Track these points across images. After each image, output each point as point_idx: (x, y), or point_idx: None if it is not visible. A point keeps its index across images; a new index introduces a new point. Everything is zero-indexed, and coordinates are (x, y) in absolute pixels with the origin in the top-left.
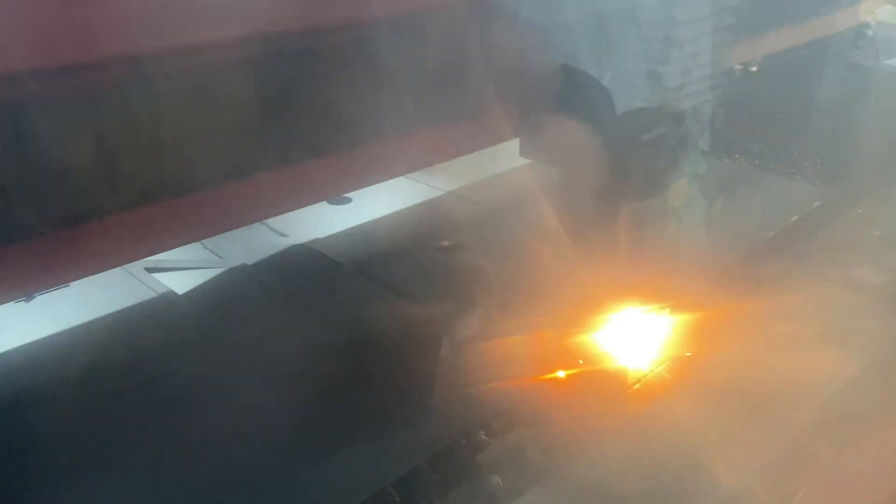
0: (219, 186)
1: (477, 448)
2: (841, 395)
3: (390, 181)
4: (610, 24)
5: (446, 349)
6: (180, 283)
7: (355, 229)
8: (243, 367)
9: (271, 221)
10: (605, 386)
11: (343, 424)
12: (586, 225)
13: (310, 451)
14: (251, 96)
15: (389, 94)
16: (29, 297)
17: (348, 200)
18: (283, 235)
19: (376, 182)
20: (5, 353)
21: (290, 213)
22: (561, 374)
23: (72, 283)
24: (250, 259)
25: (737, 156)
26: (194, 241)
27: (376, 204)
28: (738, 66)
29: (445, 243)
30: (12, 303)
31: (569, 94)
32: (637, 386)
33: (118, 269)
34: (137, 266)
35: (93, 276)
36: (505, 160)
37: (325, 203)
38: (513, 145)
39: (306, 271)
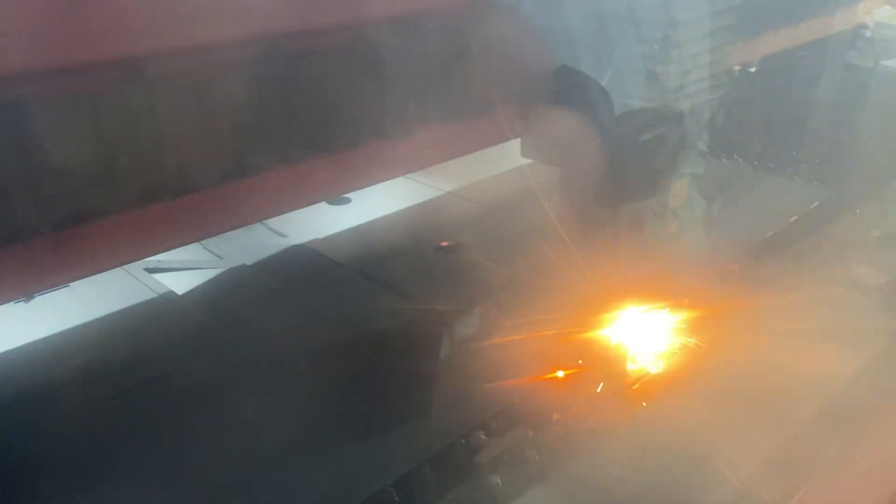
0: (218, 187)
1: (476, 448)
2: (841, 393)
3: (390, 182)
4: (610, 24)
5: (446, 349)
6: (180, 283)
7: (355, 230)
8: (242, 367)
9: (271, 222)
10: (605, 386)
11: (342, 424)
12: (588, 224)
13: (309, 450)
14: (251, 96)
15: (390, 93)
16: (28, 297)
17: (348, 201)
18: (283, 236)
19: (377, 182)
20: (4, 354)
21: (289, 214)
22: (561, 374)
23: (71, 284)
24: (250, 259)
25: (735, 156)
26: (194, 242)
27: (376, 204)
28: (736, 67)
29: (445, 243)
30: (11, 303)
31: (570, 93)
32: (637, 385)
33: (118, 270)
34: (137, 266)
35: (92, 277)
36: (505, 160)
37: (324, 203)
38: (511, 146)
39: (306, 271)
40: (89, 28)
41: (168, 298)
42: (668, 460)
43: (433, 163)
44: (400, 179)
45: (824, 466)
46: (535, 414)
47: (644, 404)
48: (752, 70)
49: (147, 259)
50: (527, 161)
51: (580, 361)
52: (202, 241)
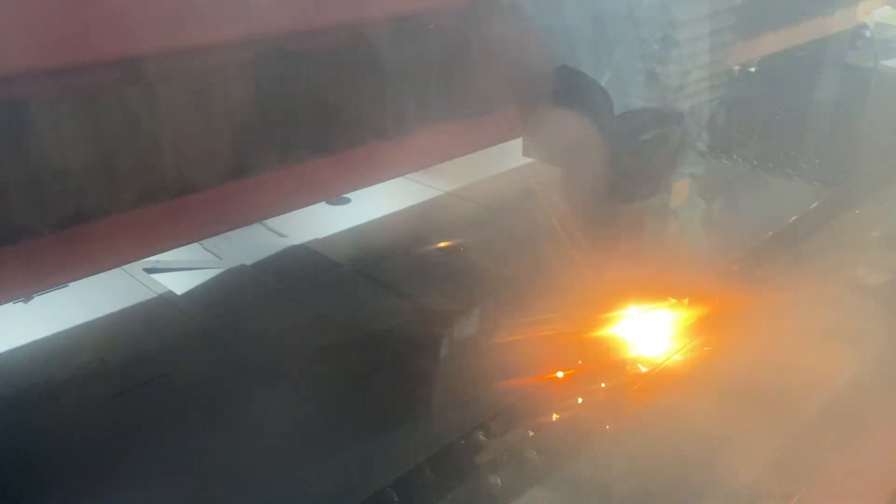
0: (218, 187)
1: (476, 448)
2: (841, 393)
3: (390, 182)
4: (611, 23)
5: (445, 349)
6: (179, 283)
7: (355, 230)
8: (242, 368)
9: (270, 222)
10: (605, 386)
11: (341, 424)
12: (588, 224)
13: (308, 451)
14: (250, 96)
15: (390, 93)
16: (27, 298)
17: (348, 201)
18: (283, 236)
19: (377, 182)
20: (3, 354)
21: (289, 214)
22: (560, 374)
23: (70, 284)
24: (249, 259)
25: (735, 156)
26: (193, 242)
27: (376, 204)
28: (736, 68)
29: (445, 244)
30: (11, 304)
31: (571, 93)
32: (637, 385)
33: (117, 270)
34: (136, 267)
35: (91, 277)
36: (505, 161)
37: (324, 203)
38: (511, 146)
39: (305, 272)
40: (89, 28)
41: (167, 299)
42: (668, 460)
43: (433, 163)
44: (400, 179)
45: (824, 466)
46: (534, 414)
47: (644, 404)
48: (752, 70)
49: (146, 259)
50: (526, 161)
51: (580, 361)
52: (201, 242)
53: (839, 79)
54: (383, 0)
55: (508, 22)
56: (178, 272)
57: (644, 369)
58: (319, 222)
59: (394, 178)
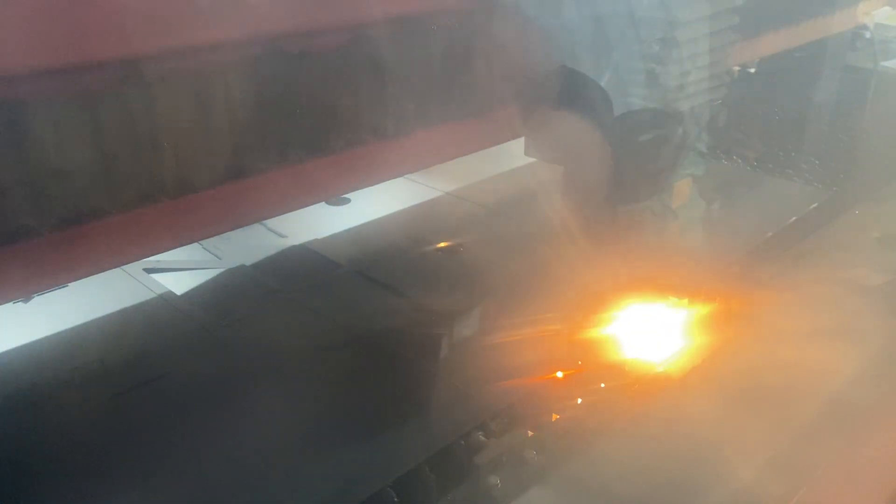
0: (218, 187)
1: (475, 448)
2: (841, 393)
3: (389, 182)
4: (613, 24)
5: (445, 350)
6: (179, 283)
7: (354, 230)
8: (241, 368)
9: (270, 222)
10: (605, 386)
11: (341, 425)
12: (588, 224)
13: (307, 451)
14: (250, 96)
15: (390, 93)
16: (27, 298)
17: (347, 201)
18: (282, 236)
19: (377, 182)
20: (3, 354)
21: (288, 214)
22: (560, 374)
23: (70, 284)
24: (249, 260)
25: (735, 157)
26: (193, 242)
27: (375, 205)
28: (736, 68)
29: (445, 244)
30: (10, 304)
31: (574, 93)
32: (637, 385)
33: (117, 270)
34: (136, 267)
35: (91, 277)
36: (505, 161)
37: (324, 204)
38: (511, 146)
39: (305, 272)
40: (88, 28)
41: (167, 299)
42: (668, 461)
43: (434, 163)
44: (399, 180)
45: (824, 466)
46: (534, 414)
47: (644, 404)
48: (752, 71)
49: (146, 259)
50: (526, 162)
51: (580, 362)
52: (201, 242)
53: (839, 80)
54: (383, 0)
55: (509, 22)
56: (178, 272)
57: (644, 369)
58: (319, 223)
59: (393, 178)
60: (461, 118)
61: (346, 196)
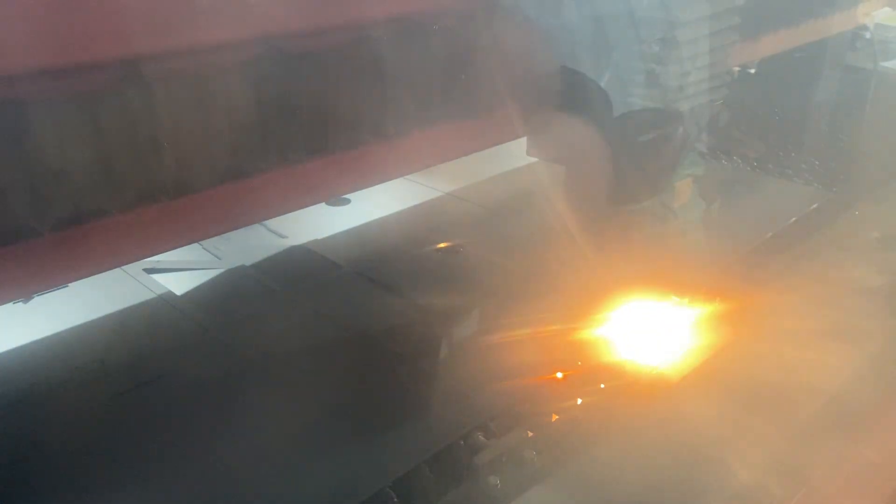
0: (218, 187)
1: (475, 449)
2: (841, 393)
3: (389, 182)
4: (612, 24)
5: (445, 350)
6: (179, 284)
7: (354, 231)
8: (241, 368)
9: (270, 222)
10: (605, 386)
11: (340, 425)
12: (588, 224)
13: (307, 451)
14: (250, 96)
15: (391, 94)
16: (27, 298)
17: (347, 202)
18: (282, 237)
19: (378, 183)
20: (3, 354)
21: (288, 215)
22: (560, 374)
23: (70, 285)
24: (249, 260)
25: (735, 157)
26: (193, 242)
27: (376, 205)
28: (736, 69)
29: (445, 244)
30: (11, 304)
31: (576, 93)
32: (637, 386)
33: (116, 270)
34: (136, 267)
35: (91, 278)
36: (505, 161)
37: (324, 204)
38: (510, 147)
39: (305, 272)
40: (89, 28)
41: (167, 299)
42: (667, 461)
43: (434, 163)
44: (399, 180)
45: (825, 466)
46: (534, 415)
47: (644, 405)
48: (752, 71)
49: (146, 259)
50: (526, 162)
51: (580, 362)
52: (201, 242)
53: (839, 80)
54: (384, 1)
55: (510, 23)
56: (178, 272)
57: (644, 370)
58: (319, 223)
59: (394, 178)
60: (461, 118)
61: (347, 196)
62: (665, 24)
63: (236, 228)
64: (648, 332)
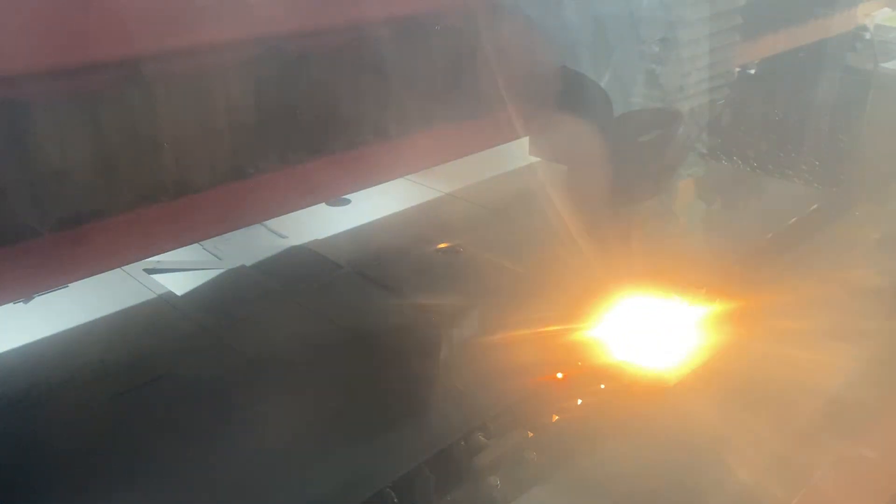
0: (218, 188)
1: (475, 449)
2: (841, 394)
3: (389, 183)
4: (615, 25)
5: (445, 350)
6: (179, 284)
7: (354, 231)
8: (241, 368)
9: (270, 223)
10: (604, 387)
11: (341, 425)
12: (589, 225)
13: (307, 452)
14: (251, 97)
15: (391, 95)
16: (27, 298)
17: (347, 202)
18: (282, 237)
19: (378, 183)
20: (3, 354)
21: (289, 215)
22: (560, 375)
23: (70, 285)
24: (249, 260)
25: (735, 158)
26: (194, 243)
27: (375, 206)
28: (736, 69)
29: (445, 244)
30: (11, 304)
31: (579, 93)
32: (637, 386)
33: (117, 271)
34: (136, 267)
35: (92, 278)
36: (505, 162)
37: (324, 204)
38: (510, 147)
39: (305, 272)
40: (89, 28)
41: (167, 299)
42: (667, 461)
43: (434, 164)
44: (399, 180)
45: (825, 466)
46: (534, 415)
47: (644, 405)
48: (752, 72)
49: (147, 260)
50: (525, 163)
51: (580, 363)
52: (201, 242)
53: (839, 81)
54: (385, 1)
55: (511, 24)
56: (178, 273)
57: (644, 370)
58: (319, 223)
59: (394, 179)
60: (462, 119)
61: (347, 197)
62: (666, 25)
63: (237, 229)
64: (648, 333)
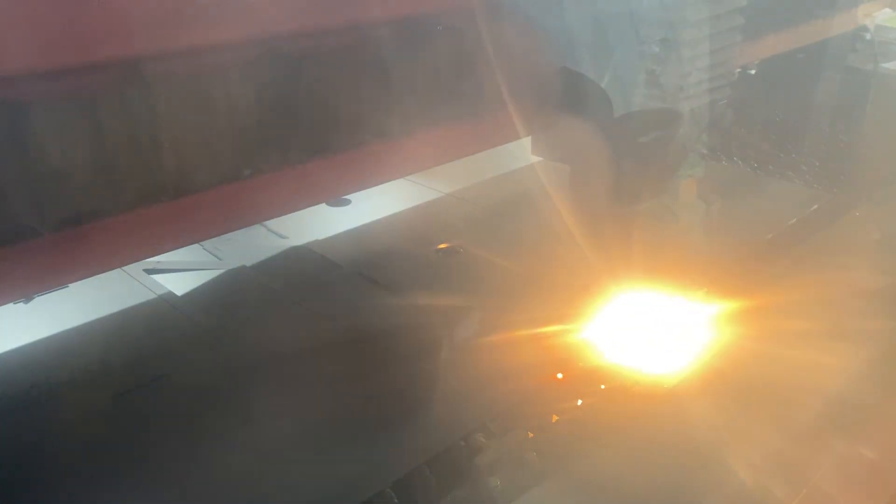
0: (218, 188)
1: (475, 450)
2: (842, 394)
3: (389, 183)
4: (617, 25)
5: (445, 351)
6: (179, 284)
7: (355, 231)
8: (242, 369)
9: (270, 223)
10: (605, 387)
11: (341, 426)
12: (590, 224)
13: (307, 452)
14: (251, 97)
15: (391, 95)
16: (27, 298)
17: (348, 202)
18: (283, 237)
19: (378, 183)
20: (3, 355)
21: (289, 215)
22: (560, 375)
23: (70, 285)
24: (249, 261)
25: (735, 158)
26: (194, 243)
27: (376, 206)
28: (737, 70)
29: (445, 245)
30: (11, 304)
31: (579, 93)
32: (638, 387)
33: (117, 271)
34: (136, 268)
35: (92, 278)
36: (505, 162)
37: (324, 205)
38: (510, 148)
39: (305, 273)
40: (89, 28)
41: (167, 300)
42: (667, 462)
43: (435, 164)
44: (400, 181)
45: (825, 466)
46: (534, 416)
47: (644, 405)
48: (752, 72)
49: (147, 260)
50: (525, 163)
51: (580, 363)
52: (202, 243)
53: (839, 81)
54: (386, 1)
55: (512, 23)
56: (179, 273)
57: (644, 371)
58: (320, 224)
59: (394, 179)
60: (462, 119)
61: (347, 197)
62: (666, 26)
63: (237, 229)
64: (649, 333)
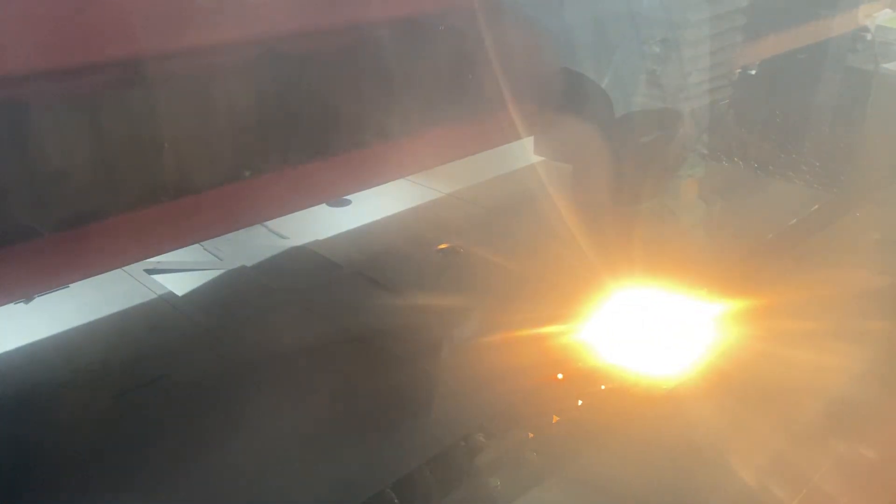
0: (219, 188)
1: (476, 450)
2: (843, 395)
3: (390, 184)
4: (619, 25)
5: (445, 350)
6: (179, 284)
7: (355, 231)
8: (242, 369)
9: (271, 223)
10: (605, 387)
11: (341, 426)
12: (591, 224)
13: (307, 453)
14: (251, 98)
15: (391, 95)
16: (28, 298)
17: (348, 203)
18: (283, 237)
19: (378, 184)
20: (3, 355)
21: (289, 216)
22: (560, 375)
23: (71, 285)
24: (250, 261)
25: (735, 158)
26: (194, 243)
27: (376, 206)
28: (737, 70)
29: (445, 245)
30: (11, 304)
31: (580, 94)
32: (638, 387)
33: (117, 271)
34: (136, 268)
35: (92, 278)
36: (506, 163)
37: (324, 205)
38: (511, 148)
39: (306, 273)
40: (89, 28)
41: (168, 300)
42: (669, 462)
43: (435, 164)
44: (400, 181)
45: (826, 467)
46: (534, 416)
47: (644, 406)
48: (752, 73)
49: (147, 260)
50: (526, 163)
51: (580, 363)
52: (202, 243)
53: (840, 81)
54: (387, 2)
55: (514, 24)
56: (179, 273)
57: (644, 371)
58: (320, 224)
59: (394, 179)
60: (463, 120)
61: (348, 197)
62: (667, 26)
63: (237, 229)
64: (649, 333)
